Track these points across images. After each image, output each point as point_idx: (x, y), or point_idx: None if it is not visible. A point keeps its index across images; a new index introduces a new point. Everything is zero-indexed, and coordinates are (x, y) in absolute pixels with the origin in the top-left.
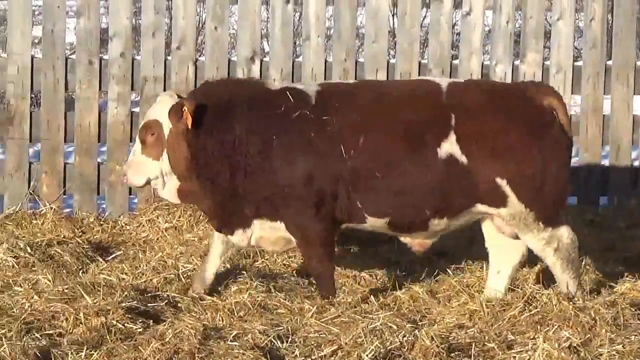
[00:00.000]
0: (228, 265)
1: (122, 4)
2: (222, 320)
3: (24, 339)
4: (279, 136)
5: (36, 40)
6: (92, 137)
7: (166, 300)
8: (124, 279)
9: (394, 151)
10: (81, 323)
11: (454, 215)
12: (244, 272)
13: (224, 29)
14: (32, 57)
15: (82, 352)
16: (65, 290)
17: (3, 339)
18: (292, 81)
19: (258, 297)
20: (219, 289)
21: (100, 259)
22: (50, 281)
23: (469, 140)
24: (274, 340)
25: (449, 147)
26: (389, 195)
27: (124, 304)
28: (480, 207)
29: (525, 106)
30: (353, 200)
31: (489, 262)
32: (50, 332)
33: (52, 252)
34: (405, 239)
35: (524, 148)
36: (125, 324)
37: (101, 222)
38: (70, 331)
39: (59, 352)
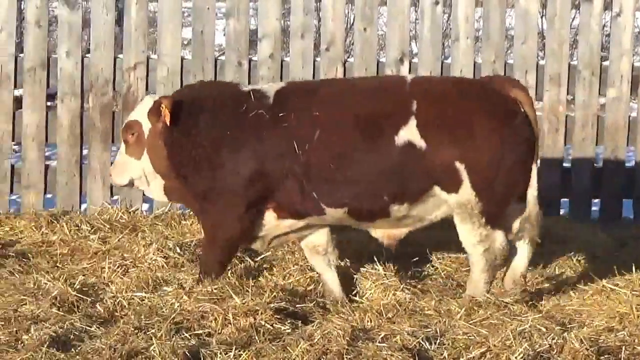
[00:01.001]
0: (378, 267)
1: (272, 6)
2: (371, 322)
3: (174, 338)
4: (232, 132)
5: (185, 42)
6: None
7: (314, 301)
8: (272, 279)
9: (350, 142)
10: (230, 323)
11: (414, 201)
12: (392, 274)
13: (373, 30)
14: (182, 59)
15: (230, 352)
16: (214, 291)
17: (153, 338)
18: None
19: (406, 298)
20: (367, 290)
21: (249, 260)
22: (197, 282)
23: (429, 124)
24: (422, 342)
25: (409, 132)
26: (347, 184)
27: (272, 305)
28: (437, 190)
29: (489, 96)
30: (308, 193)
31: None
32: (199, 332)
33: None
34: (375, 233)
35: (484, 135)
36: (274, 325)
37: None
38: (219, 331)
39: (208, 351)
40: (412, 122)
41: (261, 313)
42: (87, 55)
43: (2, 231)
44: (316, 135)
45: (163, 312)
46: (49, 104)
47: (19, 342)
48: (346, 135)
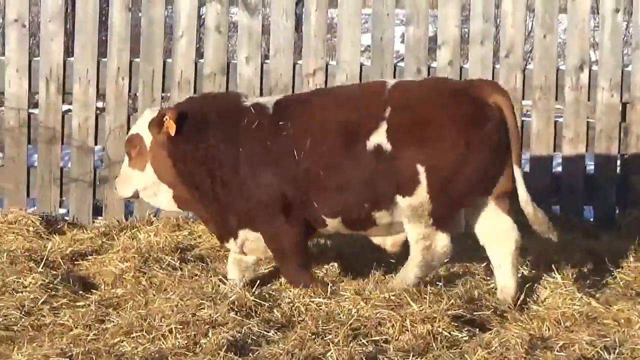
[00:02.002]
0: (557, 275)
1: (451, 12)
2: (549, 330)
3: (351, 344)
4: (243, 147)
5: (362, 48)
6: None
7: (492, 309)
8: (450, 286)
9: (334, 150)
10: (407, 330)
11: (391, 207)
12: (571, 282)
13: (552, 38)
14: (361, 65)
15: (407, 359)
16: (392, 297)
17: (330, 344)
18: (621, 91)
19: (584, 307)
20: (546, 299)
21: None
22: (375, 288)
23: (397, 130)
24: (601, 352)
25: (379, 138)
26: (335, 192)
27: (450, 312)
28: (397, 197)
29: (461, 102)
30: (311, 202)
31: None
32: (377, 338)
33: (379, 258)
34: (376, 241)
35: (446, 139)
36: (451, 332)
37: None
38: (396, 338)
39: (385, 358)
40: (383, 127)
41: (439, 320)
42: (266, 61)
43: (181, 235)
44: (308, 144)
45: (340, 317)
46: None
47: (197, 346)
48: (331, 144)
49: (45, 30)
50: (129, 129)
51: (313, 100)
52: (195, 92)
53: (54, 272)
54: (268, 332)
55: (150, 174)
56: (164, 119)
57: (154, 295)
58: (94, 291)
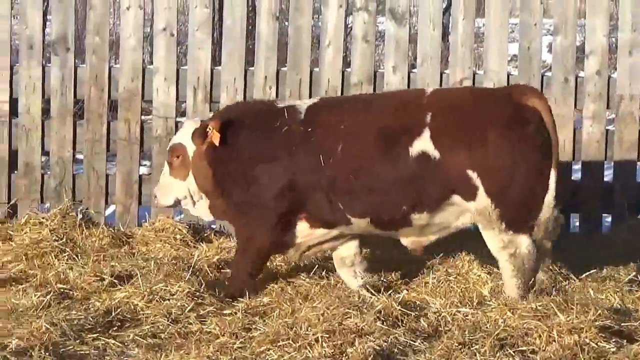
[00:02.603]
0: None
1: (599, 22)
2: None
3: (497, 354)
4: (266, 147)
5: (509, 58)
6: (567, 155)
7: None
8: (597, 297)
9: (370, 154)
10: (554, 341)
11: (433, 209)
12: None
13: None
14: (508, 75)
15: None
16: (539, 307)
17: (477, 354)
18: None
19: None
20: None
21: (574, 277)
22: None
23: (441, 134)
24: None
25: (423, 143)
26: (367, 194)
27: (597, 323)
28: (456, 199)
29: (503, 104)
30: (335, 204)
31: None
32: (523, 348)
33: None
34: (402, 240)
35: (494, 142)
36: (598, 343)
37: None
38: (543, 348)
39: None
40: (426, 133)
41: (586, 331)
42: (413, 70)
43: None
44: (339, 148)
45: (487, 328)
46: None
47: (344, 355)
48: (366, 148)
49: (193, 39)
50: None
51: (346, 106)
52: None
53: (201, 280)
54: (414, 341)
55: (191, 183)
56: (207, 129)
57: (300, 304)
58: (241, 299)
